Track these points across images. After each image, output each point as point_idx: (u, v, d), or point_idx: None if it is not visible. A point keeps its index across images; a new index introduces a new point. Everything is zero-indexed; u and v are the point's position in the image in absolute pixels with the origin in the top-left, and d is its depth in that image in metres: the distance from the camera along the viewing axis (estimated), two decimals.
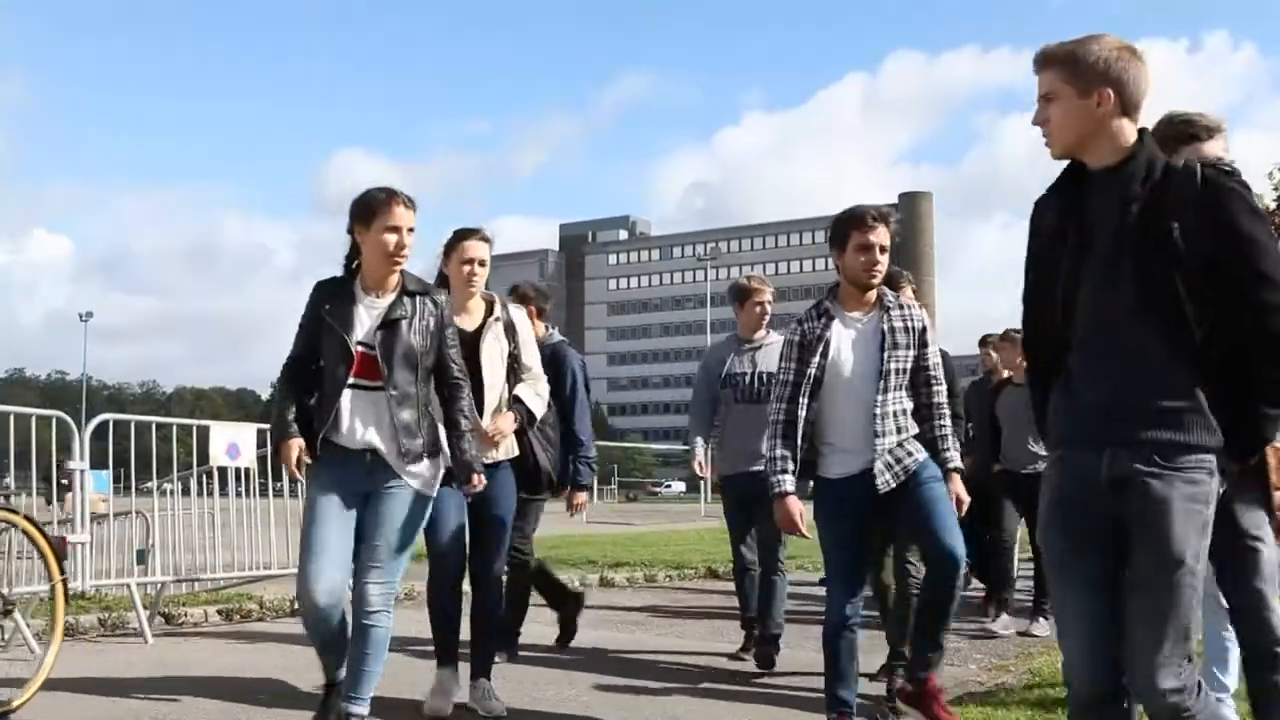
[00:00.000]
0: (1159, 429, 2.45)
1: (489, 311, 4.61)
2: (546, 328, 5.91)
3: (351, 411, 3.90)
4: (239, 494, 7.62)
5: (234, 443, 7.18)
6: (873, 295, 4.18)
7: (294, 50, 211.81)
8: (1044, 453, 3.42)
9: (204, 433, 7.45)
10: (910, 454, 4.15)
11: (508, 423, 4.55)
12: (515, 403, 4.62)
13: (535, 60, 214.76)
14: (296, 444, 3.88)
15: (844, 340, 4.11)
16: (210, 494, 7.60)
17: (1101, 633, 2.52)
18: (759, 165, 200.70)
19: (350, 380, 3.89)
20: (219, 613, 7.41)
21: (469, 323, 4.54)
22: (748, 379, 5.76)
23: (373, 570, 3.90)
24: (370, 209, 3.89)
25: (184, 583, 7.64)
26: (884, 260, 4.13)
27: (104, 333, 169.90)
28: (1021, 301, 2.78)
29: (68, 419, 6.63)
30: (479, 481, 4.05)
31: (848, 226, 4.10)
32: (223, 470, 7.43)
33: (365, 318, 3.92)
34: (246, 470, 7.44)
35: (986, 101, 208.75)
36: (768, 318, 5.92)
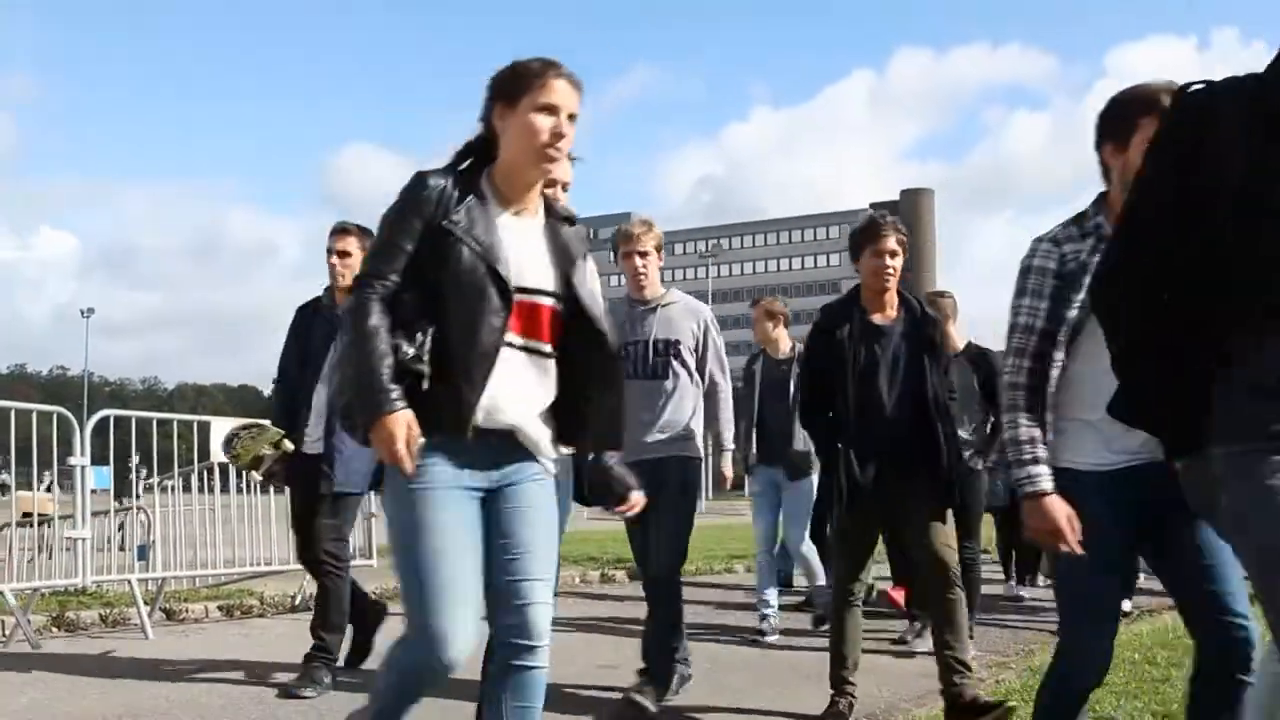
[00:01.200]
0: None
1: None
2: None
3: (501, 380, 2.65)
4: (240, 490, 7.63)
5: None
6: None
7: (301, 44, 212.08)
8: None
9: (205, 429, 7.48)
10: None
11: None
12: None
13: (542, 53, 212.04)
14: (404, 420, 2.50)
15: None
16: (211, 490, 7.62)
17: None
18: (766, 161, 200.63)
19: (510, 338, 2.66)
20: (220, 608, 7.42)
21: None
22: (641, 349, 4.79)
23: (540, 583, 2.69)
24: (519, 80, 2.73)
25: (185, 578, 7.67)
26: None
27: (107, 328, 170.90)
28: (1150, 226, 2.01)
29: (68, 415, 6.65)
30: (638, 499, 3.08)
31: (1139, 109, 2.64)
32: (224, 466, 7.46)
33: (522, 247, 2.72)
34: None
35: (994, 97, 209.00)
36: (646, 275, 4.84)
